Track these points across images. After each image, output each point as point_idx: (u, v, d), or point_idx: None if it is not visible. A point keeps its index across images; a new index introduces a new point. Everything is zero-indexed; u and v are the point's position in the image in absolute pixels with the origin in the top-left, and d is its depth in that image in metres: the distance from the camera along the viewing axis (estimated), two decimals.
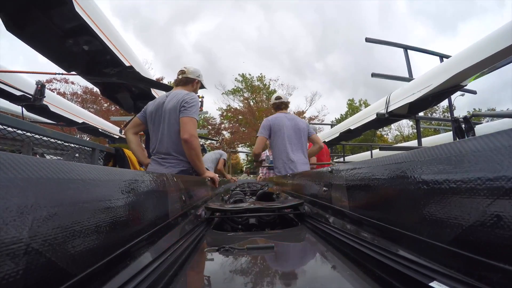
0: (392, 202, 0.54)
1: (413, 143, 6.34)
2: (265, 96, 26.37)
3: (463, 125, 2.89)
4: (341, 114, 29.51)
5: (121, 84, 3.68)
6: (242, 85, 26.20)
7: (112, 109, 18.49)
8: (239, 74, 26.39)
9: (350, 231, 0.69)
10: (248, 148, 24.19)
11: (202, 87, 2.29)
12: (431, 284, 0.37)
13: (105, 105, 20.00)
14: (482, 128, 4.90)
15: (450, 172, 0.38)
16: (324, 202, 0.97)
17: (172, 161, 1.95)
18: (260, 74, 26.30)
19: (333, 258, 0.66)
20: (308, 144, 2.92)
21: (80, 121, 5.74)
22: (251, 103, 25.81)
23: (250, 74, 26.25)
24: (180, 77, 2.15)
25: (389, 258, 0.48)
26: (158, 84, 4.07)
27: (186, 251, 0.71)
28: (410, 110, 4.02)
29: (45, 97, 4.05)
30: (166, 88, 3.48)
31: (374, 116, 4.51)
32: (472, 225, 0.34)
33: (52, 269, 0.31)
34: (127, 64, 2.94)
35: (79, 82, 19.30)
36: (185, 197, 1.06)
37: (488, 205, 0.32)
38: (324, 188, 0.99)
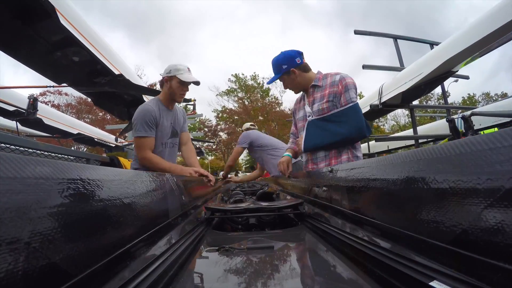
0: (392, 201, 0.54)
1: (409, 132, 6.36)
2: (259, 95, 26.37)
3: (462, 124, 2.85)
4: None
5: (113, 93, 3.66)
6: (235, 85, 26.19)
7: (108, 117, 18.44)
8: (232, 75, 26.42)
9: (350, 231, 0.68)
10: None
11: (182, 82, 1.82)
12: (431, 283, 0.37)
13: (100, 114, 19.93)
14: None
15: (449, 172, 0.38)
16: (324, 202, 0.97)
17: None
18: (254, 73, 26.32)
19: (333, 258, 0.66)
20: None
21: (75, 132, 5.74)
22: (246, 103, 25.78)
23: (243, 74, 26.28)
24: None
25: (389, 258, 0.47)
26: (149, 90, 4.05)
27: (186, 251, 0.70)
28: (404, 99, 4.02)
29: (38, 110, 4.05)
30: (156, 93, 3.45)
31: (368, 108, 4.51)
32: (472, 224, 0.34)
33: (52, 269, 0.31)
34: (116, 72, 2.92)
35: (72, 93, 19.24)
36: (185, 197, 1.05)
37: (487, 205, 0.32)
38: (324, 188, 0.99)
